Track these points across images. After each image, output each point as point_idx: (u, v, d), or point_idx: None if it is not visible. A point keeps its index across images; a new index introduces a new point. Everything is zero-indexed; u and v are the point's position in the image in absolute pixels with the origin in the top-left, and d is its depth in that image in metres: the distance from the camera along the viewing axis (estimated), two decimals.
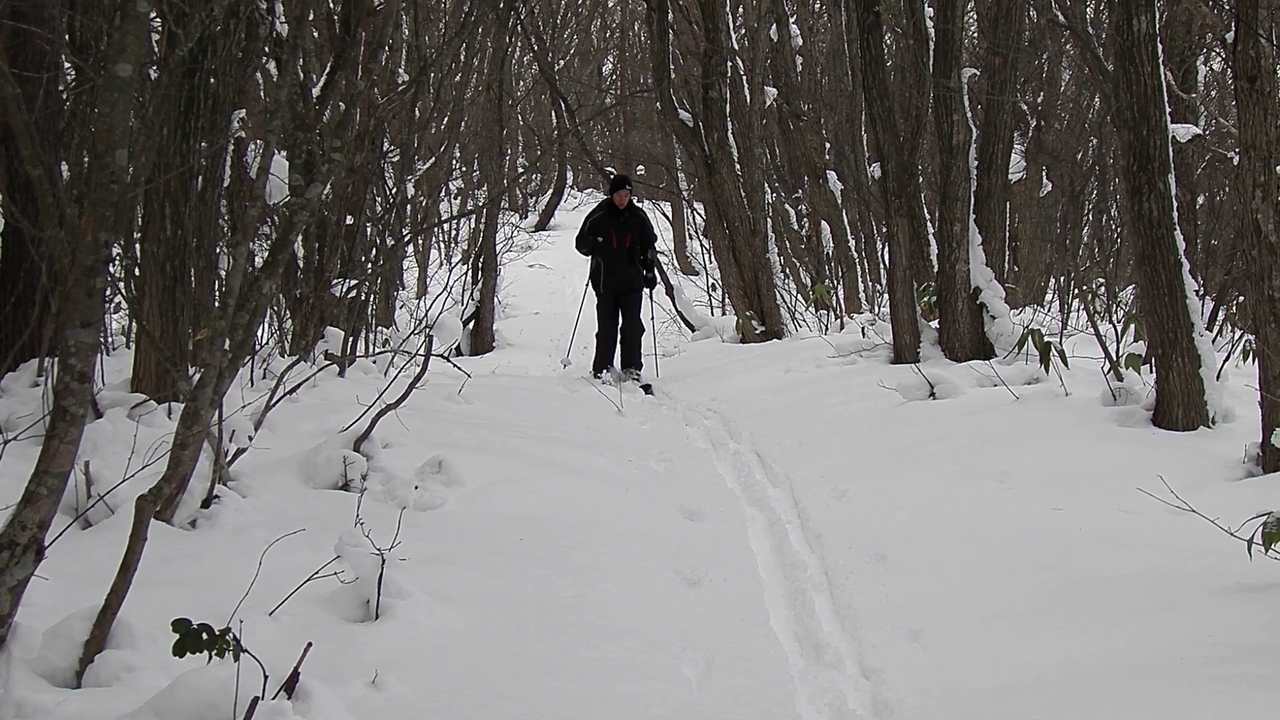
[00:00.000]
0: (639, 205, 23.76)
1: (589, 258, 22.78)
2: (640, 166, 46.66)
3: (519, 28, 31.26)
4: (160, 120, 13.39)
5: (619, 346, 22.43)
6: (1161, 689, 9.00)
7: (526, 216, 49.25)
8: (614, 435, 17.63)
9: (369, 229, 22.78)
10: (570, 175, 50.84)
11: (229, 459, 12.06)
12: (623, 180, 22.90)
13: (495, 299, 31.19)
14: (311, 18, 17.02)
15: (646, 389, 21.75)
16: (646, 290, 22.87)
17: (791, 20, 31.51)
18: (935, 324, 22.22)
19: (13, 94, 13.11)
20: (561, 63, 42.11)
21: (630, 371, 22.15)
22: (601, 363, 22.66)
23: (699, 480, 15.34)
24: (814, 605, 11.26)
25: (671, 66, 27.43)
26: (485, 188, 31.88)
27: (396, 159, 23.94)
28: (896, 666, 9.95)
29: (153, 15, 12.56)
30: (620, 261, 22.27)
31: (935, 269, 22.49)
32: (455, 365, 19.30)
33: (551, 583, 11.35)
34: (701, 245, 38.02)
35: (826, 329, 27.42)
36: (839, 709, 9.26)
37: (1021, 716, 8.80)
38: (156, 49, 13.87)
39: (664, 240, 38.37)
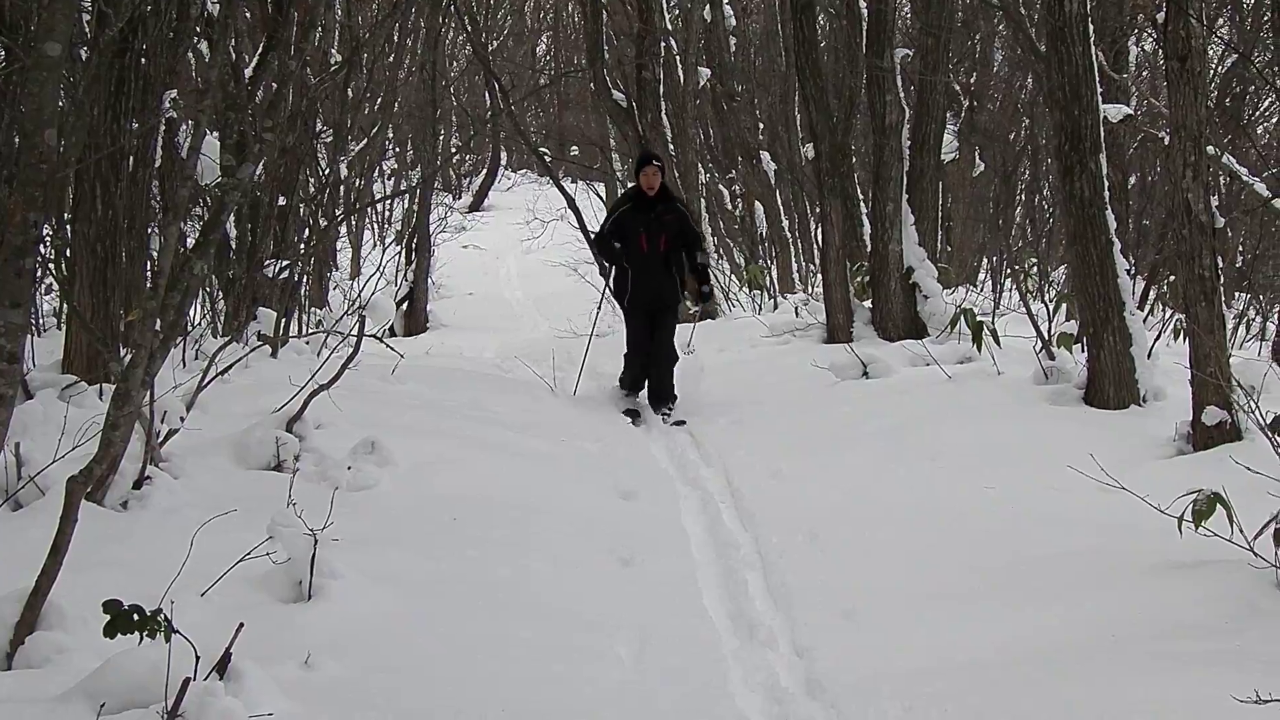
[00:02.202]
0: (675, 196, 18.23)
1: (611, 263, 18.21)
2: (574, 147, 46.60)
3: (452, 8, 31.20)
4: (90, 100, 13.33)
5: (649, 379, 17.78)
6: (1096, 667, 9.07)
7: (460, 197, 49.18)
8: (548, 416, 17.62)
9: (302, 209, 22.71)
10: (504, 156, 50.78)
11: (160, 440, 12.02)
12: (649, 155, 17.94)
13: (429, 280, 31.20)
14: None
15: (679, 423, 17.28)
16: (696, 303, 19.30)
17: (726, 3, 31.54)
18: (868, 304, 22.31)
19: None
20: (495, 43, 42.04)
21: (663, 409, 17.47)
22: (632, 384, 18.03)
23: (633, 460, 15.37)
24: (747, 584, 11.30)
25: (605, 47, 27.44)
26: (419, 168, 31.79)
27: (329, 139, 23.88)
28: (829, 645, 9.99)
29: None
30: (653, 268, 17.17)
31: (868, 249, 22.59)
32: (389, 346, 19.25)
33: (485, 563, 11.37)
34: None
35: (760, 309, 27.44)
36: (772, 688, 9.28)
37: (956, 695, 8.84)
38: (87, 29, 13.78)
39: (598, 221, 38.33)
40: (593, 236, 18.94)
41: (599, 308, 19.79)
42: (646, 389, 17.76)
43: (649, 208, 17.09)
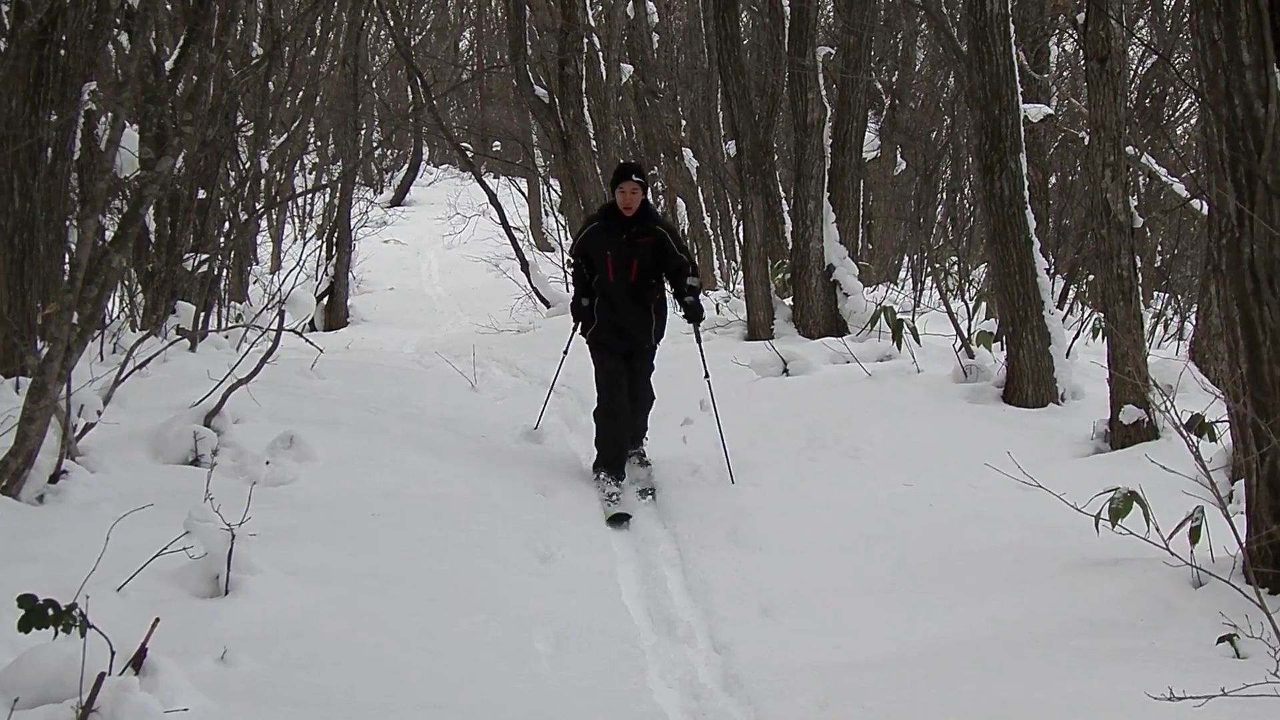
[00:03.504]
0: (657, 217, 14.31)
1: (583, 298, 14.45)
2: (497, 143, 46.62)
3: (374, 2, 31.21)
4: (8, 92, 13.29)
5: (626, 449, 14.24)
6: (1021, 663, 9.17)
7: (382, 192, 49.15)
8: (469, 411, 17.65)
9: (222, 203, 22.69)
10: (426, 151, 50.77)
11: (77, 434, 11.99)
12: (629, 168, 14.05)
13: (350, 275, 31.19)
14: None
15: (645, 493, 13.87)
16: (693, 329, 14.74)
17: None
18: (789, 301, 22.40)
19: None
20: (417, 38, 42.03)
21: (630, 450, 14.27)
22: (609, 461, 13.95)
23: (552, 456, 15.40)
24: (666, 581, 11.36)
25: (528, 43, 27.47)
26: (340, 162, 31.76)
27: (250, 133, 23.84)
28: (748, 641, 10.06)
29: None
30: (620, 301, 13.87)
31: (790, 246, 22.68)
32: (308, 341, 19.29)
33: (405, 558, 11.39)
34: (557, 221, 38.15)
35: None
36: (690, 683, 9.34)
37: (876, 691, 8.90)
38: (5, 20, 13.73)
39: (520, 217, 38.34)
40: (568, 264, 15.41)
41: (565, 353, 15.50)
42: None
43: (622, 227, 13.62)
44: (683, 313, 14.27)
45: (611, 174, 14.83)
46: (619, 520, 12.89)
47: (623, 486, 13.63)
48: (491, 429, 16.72)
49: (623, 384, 13.93)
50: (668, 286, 14.42)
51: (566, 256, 14.98)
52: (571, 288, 15.05)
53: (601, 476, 13.73)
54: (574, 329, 14.95)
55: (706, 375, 14.28)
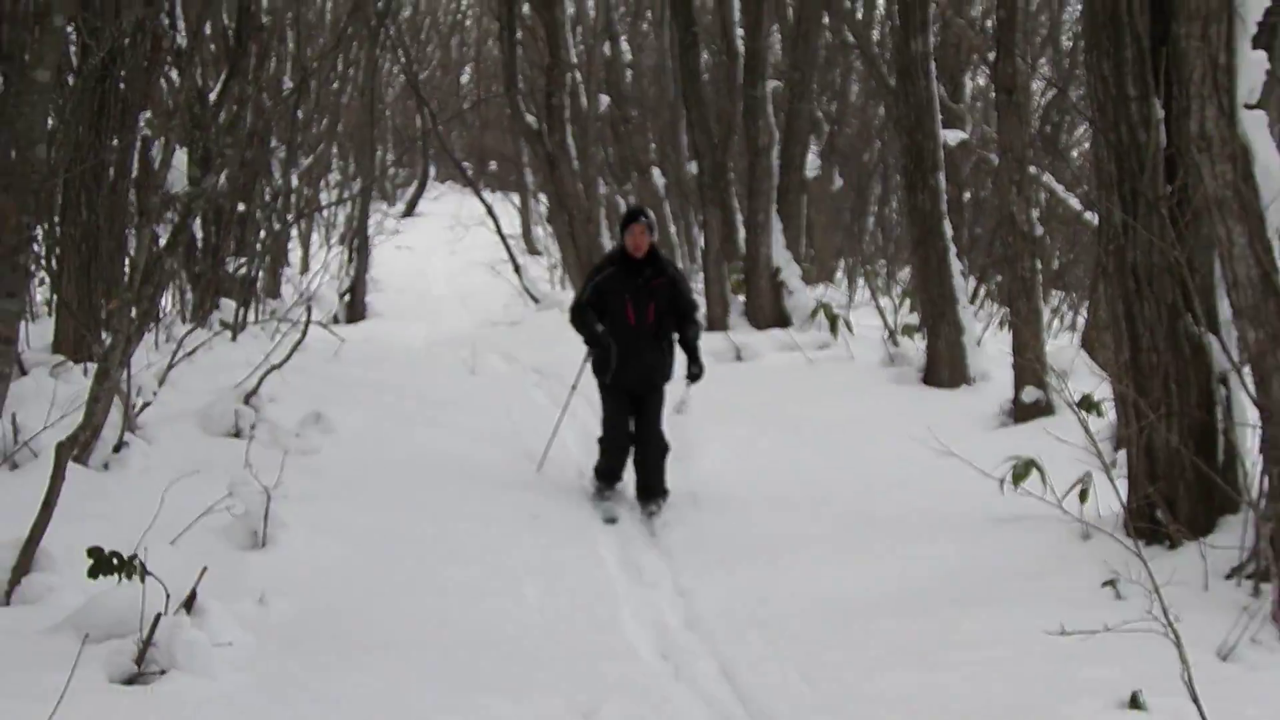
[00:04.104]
0: (664, 258, 12.79)
1: (592, 344, 12.84)
2: (493, 163, 46.51)
3: (388, 42, 31.14)
4: (76, 119, 13.27)
5: (635, 469, 12.69)
6: (933, 604, 9.24)
7: (395, 205, 48.99)
8: (468, 393, 17.65)
9: (258, 214, 22.64)
10: (433, 170, 50.59)
11: (136, 411, 12.00)
12: (637, 211, 12.86)
13: (368, 275, 31.12)
14: (209, 32, 16.89)
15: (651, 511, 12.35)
16: (688, 383, 13.03)
17: (623, 38, 31.56)
18: (742, 298, 22.40)
19: None
20: (425, 73, 41.90)
21: (650, 505, 12.36)
22: (609, 474, 12.73)
23: (540, 430, 15.42)
24: (635, 538, 11.41)
25: (520, 77, 27.41)
26: (359, 179, 31.64)
27: (282, 154, 23.80)
28: (707, 588, 10.12)
29: (69, 28, 12.47)
30: (642, 343, 12.37)
31: (743, 251, 22.65)
32: (332, 332, 19.28)
33: (414, 518, 11.45)
34: (545, 230, 38.04)
35: None
36: (657, 622, 9.41)
37: (813, 628, 8.98)
38: (73, 58, 13.71)
39: (513, 226, 38.24)
40: (571, 307, 12.93)
41: (573, 389, 14.08)
42: (635, 483, 12.60)
43: (636, 272, 12.24)
44: (687, 374, 12.65)
45: (623, 217, 13.12)
46: (610, 522, 11.97)
47: (616, 494, 12.54)
48: (488, 408, 16.74)
49: (625, 421, 12.45)
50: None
51: (576, 299, 12.94)
52: (575, 320, 12.67)
53: (599, 489, 12.58)
54: (586, 357, 13.03)
55: (683, 403, 13.39)
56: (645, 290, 12.21)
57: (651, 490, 12.31)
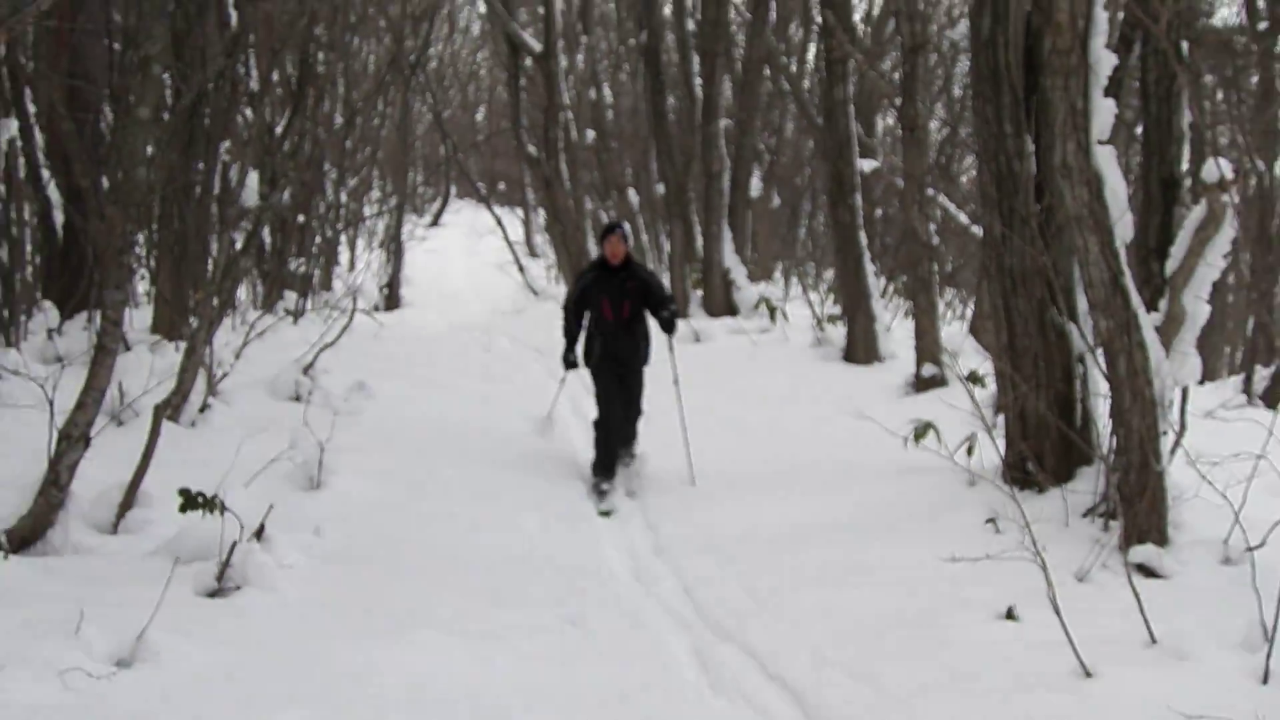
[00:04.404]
0: (638, 263, 12.31)
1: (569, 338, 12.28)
2: (502, 183, 46.42)
3: (418, 87, 31.06)
4: (170, 148, 13.25)
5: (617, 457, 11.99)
6: (850, 536, 9.32)
7: (423, 216, 48.84)
8: (479, 365, 17.67)
9: (314, 224, 22.64)
10: (453, 189, 50.44)
11: (217, 380, 12.01)
12: (614, 225, 12.33)
13: (402, 273, 31.00)
14: (275, 79, 16.84)
15: (631, 493, 11.70)
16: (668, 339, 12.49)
17: (605, 85, 31.49)
18: (700, 293, 22.42)
19: (70, 129, 12.94)
20: (447, 112, 41.77)
21: (623, 453, 11.97)
22: (605, 465, 11.76)
23: (537, 396, 15.43)
24: (615, 482, 11.43)
25: (523, 115, 27.35)
26: (394, 196, 31.53)
27: (333, 176, 23.77)
28: (669, 523, 10.20)
29: (165, 75, 12.45)
30: (619, 335, 12.03)
31: (700, 255, 22.67)
32: (373, 318, 19.28)
33: (437, 466, 11.48)
34: (543, 238, 37.94)
35: None
36: (631, 549, 9.50)
37: (753, 554, 9.03)
38: (168, 98, 13.68)
39: (518, 234, 38.18)
40: (563, 307, 12.55)
41: (562, 381, 13.28)
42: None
43: (613, 275, 11.90)
44: (662, 327, 12.09)
45: (601, 230, 12.52)
46: (605, 514, 10.88)
47: (613, 485, 11.54)
48: (498, 378, 16.77)
49: (616, 399, 11.92)
50: (650, 318, 12.34)
51: (565, 301, 12.59)
52: (563, 325, 12.19)
53: (596, 479, 11.57)
54: (563, 378, 12.99)
55: (676, 381, 12.32)
56: (621, 291, 11.80)
57: (626, 439, 11.88)
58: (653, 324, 12.11)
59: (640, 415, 12.13)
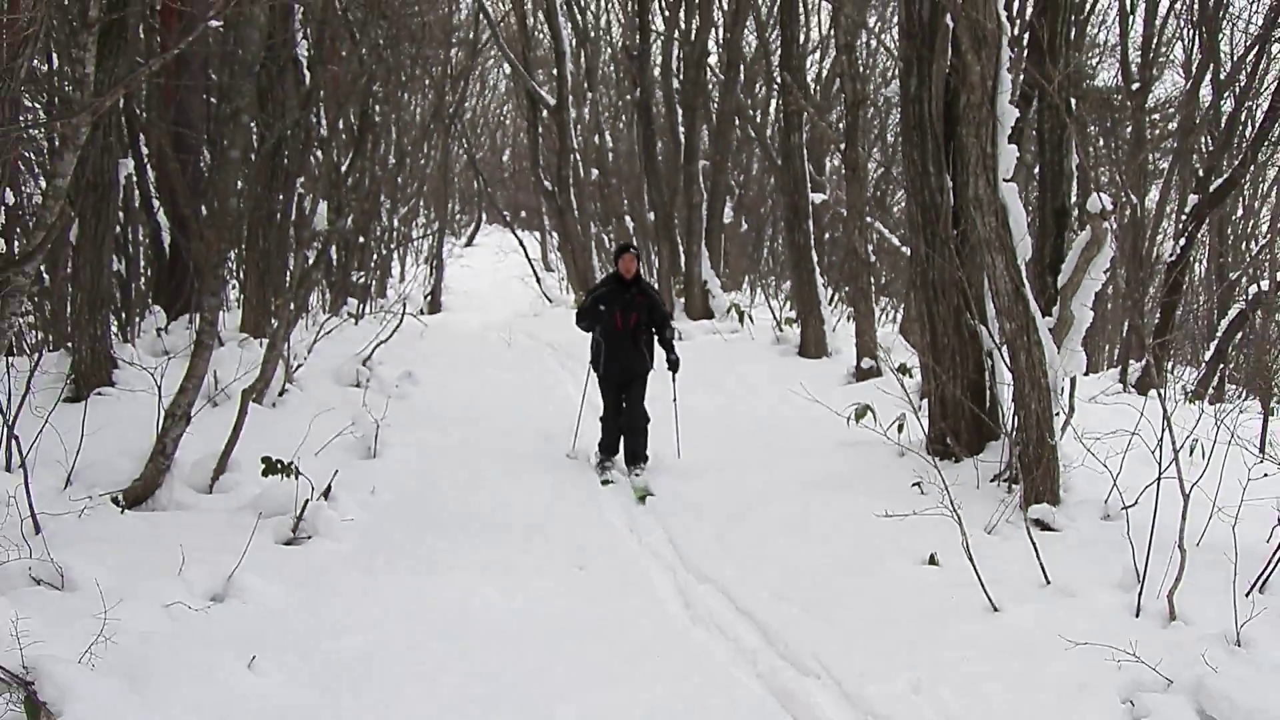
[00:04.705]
0: (646, 281, 11.45)
1: (590, 334, 11.40)
2: (523, 212, 46.34)
3: (456, 134, 30.98)
4: (256, 182, 13.23)
5: (622, 439, 11.23)
6: (800, 498, 9.25)
7: (459, 238, 48.78)
8: (511, 361, 17.61)
9: (372, 244, 22.60)
10: (484, 216, 50.38)
11: (293, 370, 11.99)
12: (627, 246, 11.40)
13: (443, 283, 30.97)
14: (341, 127, 16.81)
15: (642, 498, 10.07)
16: (672, 374, 11.41)
17: (607, 132, 31.47)
18: (683, 300, 22.39)
19: (175, 167, 12.87)
20: (480, 153, 41.72)
21: (635, 469, 10.89)
22: (609, 446, 11.20)
23: (547, 381, 15.41)
24: (618, 458, 11.39)
25: (540, 157, 27.31)
26: (437, 222, 31.49)
27: (388, 206, 23.74)
28: (658, 486, 10.12)
29: (252, 124, 12.42)
30: (624, 344, 11.07)
31: (683, 270, 22.62)
32: (419, 320, 19.23)
33: (473, 438, 11.49)
34: (556, 256, 37.86)
35: None
36: (625, 509, 9.47)
37: (727, 508, 9.00)
38: (254, 142, 13.66)
39: (536, 251, 38.13)
40: (576, 312, 11.38)
41: (584, 397, 12.10)
42: (622, 451, 11.07)
43: (625, 290, 10.99)
44: (668, 365, 11.12)
45: (615, 249, 11.46)
46: (606, 484, 10.34)
47: (614, 463, 10.95)
48: (520, 367, 16.73)
49: (617, 400, 10.93)
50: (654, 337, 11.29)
51: (583, 300, 10.41)
52: (579, 319, 11.13)
53: (600, 457, 11.00)
54: (589, 366, 11.45)
55: (675, 399, 11.33)
56: (630, 304, 10.83)
57: (636, 456, 10.79)
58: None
59: (648, 422, 10.95)
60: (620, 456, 11.02)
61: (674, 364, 11.03)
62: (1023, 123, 11.45)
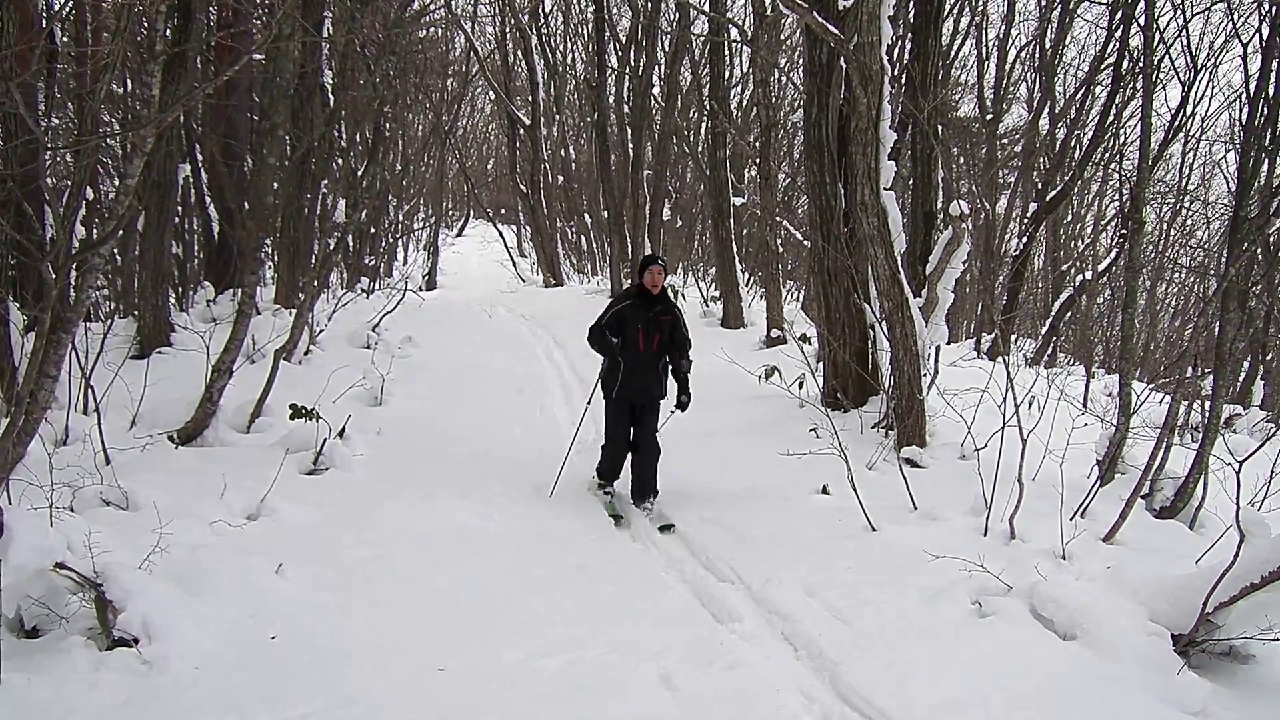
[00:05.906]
0: (670, 298, 7.97)
1: (604, 354, 7.87)
2: (503, 209, 45.96)
3: (450, 145, 30.63)
4: (288, 183, 13.02)
5: (632, 469, 7.85)
6: (721, 440, 9.25)
7: (452, 230, 48.36)
8: (491, 329, 17.47)
9: (381, 233, 22.35)
10: (471, 212, 49.93)
11: (316, 334, 11.85)
12: (654, 257, 7.91)
13: (437, 266, 30.71)
14: (358, 139, 16.58)
15: (666, 528, 6.99)
16: (676, 410, 7.91)
17: (570, 146, 31.26)
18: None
19: (223, 171, 12.62)
20: (470, 161, 41.35)
21: (645, 502, 7.60)
22: (610, 472, 7.93)
23: (528, 347, 15.31)
24: (579, 406, 11.31)
25: (518, 165, 27.07)
26: (434, 216, 31.17)
27: (394, 202, 23.46)
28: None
29: (286, 136, 12.21)
30: (645, 365, 7.79)
31: (630, 257, 22.48)
32: (418, 295, 19.01)
33: (463, 390, 11.36)
34: (529, 245, 37.61)
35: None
36: (583, 443, 9.26)
37: (676, 447, 8.93)
38: (287, 150, 13.44)
39: (513, 241, 37.85)
40: (591, 328, 7.88)
41: (583, 416, 9.11)
42: (631, 481, 7.85)
43: (650, 306, 7.83)
44: (677, 405, 7.88)
45: (640, 260, 8.00)
46: (615, 519, 7.28)
47: (614, 491, 7.88)
48: (498, 334, 16.59)
49: (625, 427, 7.83)
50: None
51: (596, 322, 7.79)
52: (594, 340, 7.91)
53: (601, 486, 7.92)
54: (596, 384, 8.17)
55: (672, 412, 9.29)
56: (655, 322, 7.77)
57: (646, 489, 7.70)
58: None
59: (658, 454, 7.82)
60: (620, 482, 8.08)
61: (683, 405, 7.92)
62: (900, 143, 11.48)
